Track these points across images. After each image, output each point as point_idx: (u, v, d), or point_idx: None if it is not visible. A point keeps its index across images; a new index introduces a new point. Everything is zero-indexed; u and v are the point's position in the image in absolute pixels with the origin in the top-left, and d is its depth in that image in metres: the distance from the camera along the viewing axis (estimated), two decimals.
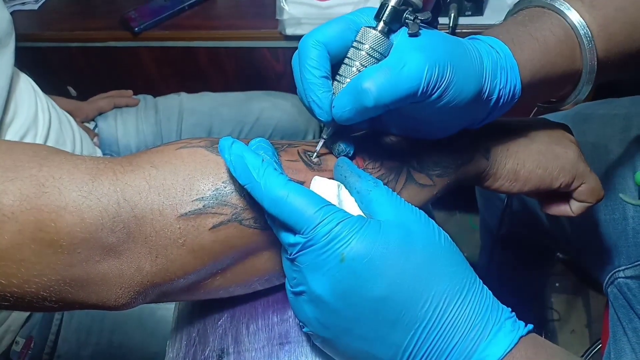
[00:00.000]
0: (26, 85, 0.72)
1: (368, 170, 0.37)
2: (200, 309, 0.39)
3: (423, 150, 0.39)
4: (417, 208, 0.32)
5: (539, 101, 0.43)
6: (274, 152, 0.34)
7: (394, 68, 0.30)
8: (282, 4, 0.96)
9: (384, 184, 0.33)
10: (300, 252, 0.30)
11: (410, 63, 0.30)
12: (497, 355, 0.28)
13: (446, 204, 1.46)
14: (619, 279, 0.60)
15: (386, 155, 0.38)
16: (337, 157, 0.37)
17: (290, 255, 0.31)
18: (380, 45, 0.32)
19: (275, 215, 0.30)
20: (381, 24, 0.32)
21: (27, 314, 0.71)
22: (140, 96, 1.03)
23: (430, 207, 0.51)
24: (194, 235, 0.32)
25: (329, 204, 0.30)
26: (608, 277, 0.62)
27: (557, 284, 1.30)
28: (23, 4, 1.22)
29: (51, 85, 1.19)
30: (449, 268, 0.30)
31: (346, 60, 0.33)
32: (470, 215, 1.44)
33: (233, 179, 0.32)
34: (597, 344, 0.76)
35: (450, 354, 0.29)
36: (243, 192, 0.32)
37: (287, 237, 0.30)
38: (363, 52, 0.32)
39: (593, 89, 0.39)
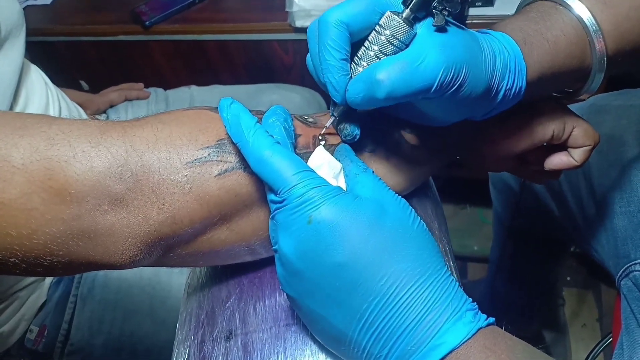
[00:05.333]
0: (37, 76, 0.73)
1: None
2: (209, 291, 0.40)
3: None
4: (400, 196, 0.33)
5: (544, 96, 0.43)
6: (286, 118, 0.35)
7: (411, 63, 0.30)
8: None
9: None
10: (276, 211, 0.31)
11: (428, 60, 0.30)
12: (454, 344, 0.29)
13: (456, 197, 1.46)
14: (634, 272, 0.59)
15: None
16: (343, 139, 0.37)
17: (271, 213, 0.32)
18: (402, 34, 0.32)
19: (258, 173, 0.31)
20: (407, 11, 0.31)
21: (41, 302, 0.72)
22: (151, 89, 1.04)
23: (439, 199, 0.51)
24: (200, 181, 0.33)
25: (309, 169, 0.31)
26: (622, 269, 0.61)
27: (568, 278, 1.29)
28: None
29: (63, 78, 1.21)
30: (414, 250, 0.31)
31: (366, 43, 0.33)
32: (481, 208, 1.43)
33: None
34: (608, 337, 0.75)
35: (404, 333, 0.29)
36: None
37: (270, 196, 0.32)
38: (383, 38, 0.32)
39: (604, 80, 0.39)
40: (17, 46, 0.64)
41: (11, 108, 0.64)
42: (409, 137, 0.40)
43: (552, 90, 0.42)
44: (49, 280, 0.73)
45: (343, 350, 0.32)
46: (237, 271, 0.39)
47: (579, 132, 0.42)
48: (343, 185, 0.34)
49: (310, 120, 0.39)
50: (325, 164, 0.34)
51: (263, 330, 0.36)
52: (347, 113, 0.36)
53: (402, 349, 0.29)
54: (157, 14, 1.09)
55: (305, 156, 0.35)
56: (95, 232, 0.31)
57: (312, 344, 0.35)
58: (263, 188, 0.34)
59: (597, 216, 0.65)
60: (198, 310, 0.39)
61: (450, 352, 0.29)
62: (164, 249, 0.34)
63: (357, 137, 0.37)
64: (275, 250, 0.33)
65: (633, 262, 0.59)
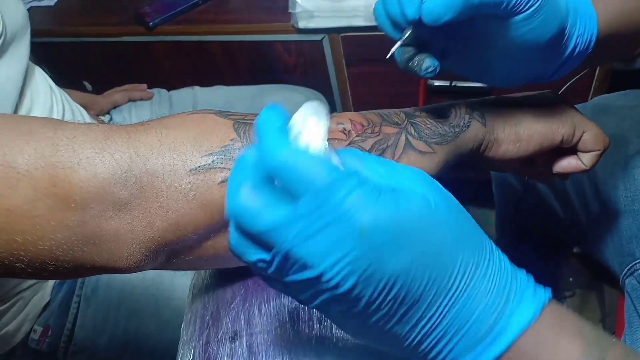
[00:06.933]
0: (41, 78, 0.73)
1: (367, 133, 0.37)
2: (214, 292, 0.40)
3: (420, 120, 0.40)
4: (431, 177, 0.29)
5: (610, 58, 0.42)
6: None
7: None
8: None
9: (383, 149, 0.34)
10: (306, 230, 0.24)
11: None
12: (523, 323, 0.26)
13: (460, 197, 1.44)
14: (639, 270, 0.59)
15: (384, 122, 0.39)
16: (421, 76, 0.35)
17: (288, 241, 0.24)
18: None
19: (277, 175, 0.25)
20: None
21: (45, 302, 0.72)
22: (155, 90, 1.04)
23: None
24: (203, 189, 0.32)
25: (339, 169, 0.25)
26: (627, 268, 0.61)
27: (570, 279, 1.28)
28: (40, 0, 1.24)
29: (67, 79, 1.21)
30: (471, 234, 0.28)
31: None
32: (484, 209, 1.43)
33: (241, 138, 0.34)
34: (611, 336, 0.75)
35: (473, 324, 0.27)
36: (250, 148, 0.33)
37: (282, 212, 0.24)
38: None
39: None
40: (22, 48, 0.65)
41: (16, 110, 0.64)
42: (417, 143, 0.40)
43: (616, 50, 0.41)
44: (52, 280, 0.74)
45: (398, 349, 0.29)
46: (241, 273, 0.40)
47: (589, 137, 0.42)
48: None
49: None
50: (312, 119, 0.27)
51: (268, 332, 0.36)
52: (414, 43, 0.33)
53: (468, 339, 0.27)
54: (161, 15, 1.09)
55: None
56: (99, 237, 0.31)
57: (317, 345, 0.35)
58: None
59: (601, 215, 0.65)
60: (203, 311, 0.39)
61: (519, 334, 0.26)
62: (168, 254, 0.34)
63: (438, 69, 0.34)
64: (316, 299, 0.26)
65: (638, 261, 0.59)
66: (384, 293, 0.25)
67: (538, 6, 0.31)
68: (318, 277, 0.25)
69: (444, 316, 0.27)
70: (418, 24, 0.31)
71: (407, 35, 0.33)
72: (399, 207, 0.25)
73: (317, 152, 0.26)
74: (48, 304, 0.73)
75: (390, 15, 0.33)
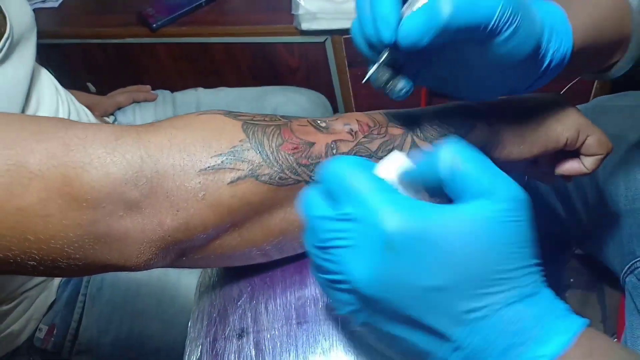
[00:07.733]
0: (47, 80, 0.74)
1: (373, 134, 0.37)
2: (221, 290, 0.40)
3: (425, 121, 0.40)
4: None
5: (585, 69, 0.42)
6: None
7: None
8: None
9: (390, 150, 0.34)
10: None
11: None
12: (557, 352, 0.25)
13: None
14: (639, 269, 0.60)
15: (390, 123, 0.39)
16: (393, 98, 0.35)
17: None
18: None
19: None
20: None
21: (50, 301, 0.73)
22: (159, 91, 1.05)
23: None
24: (213, 189, 0.33)
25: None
26: (627, 267, 0.62)
27: (571, 280, 1.29)
28: (44, 1, 1.25)
29: (71, 81, 1.22)
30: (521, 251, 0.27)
31: None
32: None
33: (250, 139, 0.34)
34: (612, 338, 0.76)
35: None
36: (259, 150, 0.34)
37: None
38: None
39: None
40: (29, 50, 0.65)
41: (23, 111, 0.64)
42: (423, 144, 0.40)
43: (590, 63, 0.41)
44: (58, 279, 0.74)
45: None
46: (248, 270, 0.40)
47: (592, 141, 0.42)
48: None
49: (323, 125, 0.38)
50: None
51: (275, 329, 0.36)
52: (391, 64, 0.33)
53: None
54: (164, 16, 1.10)
55: (318, 166, 0.35)
56: (110, 236, 0.31)
57: (324, 342, 0.36)
58: (274, 196, 0.34)
59: (602, 214, 0.65)
60: (210, 308, 0.40)
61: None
62: (178, 253, 0.35)
63: (411, 91, 0.34)
64: (338, 281, 0.27)
65: (638, 259, 0.60)
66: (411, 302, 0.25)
67: (515, 28, 0.31)
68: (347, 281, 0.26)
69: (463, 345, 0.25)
70: (394, 47, 0.31)
71: (383, 57, 0.32)
72: (428, 219, 0.25)
73: (381, 174, 0.29)
74: (53, 303, 0.73)
75: (366, 37, 0.32)
